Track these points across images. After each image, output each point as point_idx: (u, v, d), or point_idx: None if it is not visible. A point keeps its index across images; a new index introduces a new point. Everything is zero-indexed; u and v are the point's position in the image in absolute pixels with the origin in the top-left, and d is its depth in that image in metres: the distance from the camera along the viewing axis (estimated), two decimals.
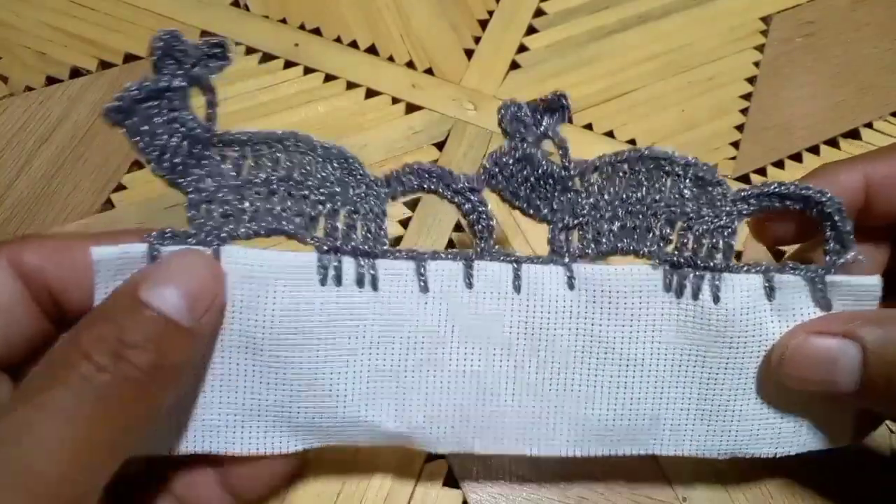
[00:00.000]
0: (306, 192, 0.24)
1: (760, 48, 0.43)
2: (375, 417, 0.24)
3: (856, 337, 0.23)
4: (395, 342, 0.24)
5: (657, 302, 0.24)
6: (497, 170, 0.24)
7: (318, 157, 0.24)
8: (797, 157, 0.40)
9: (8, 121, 0.40)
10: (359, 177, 0.24)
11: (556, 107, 0.24)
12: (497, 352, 0.25)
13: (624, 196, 0.25)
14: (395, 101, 0.41)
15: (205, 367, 0.23)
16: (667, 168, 0.25)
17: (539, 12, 0.45)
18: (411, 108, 0.41)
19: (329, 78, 0.42)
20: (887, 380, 0.22)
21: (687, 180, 0.25)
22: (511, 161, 0.24)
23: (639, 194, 0.25)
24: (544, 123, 0.24)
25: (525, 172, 0.24)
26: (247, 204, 0.23)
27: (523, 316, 0.24)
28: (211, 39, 0.23)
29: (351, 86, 0.42)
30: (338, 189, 0.24)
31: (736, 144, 0.41)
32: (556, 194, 0.25)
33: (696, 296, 0.24)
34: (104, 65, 0.42)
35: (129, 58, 0.42)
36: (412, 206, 0.38)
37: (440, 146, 0.40)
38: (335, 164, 0.24)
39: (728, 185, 0.25)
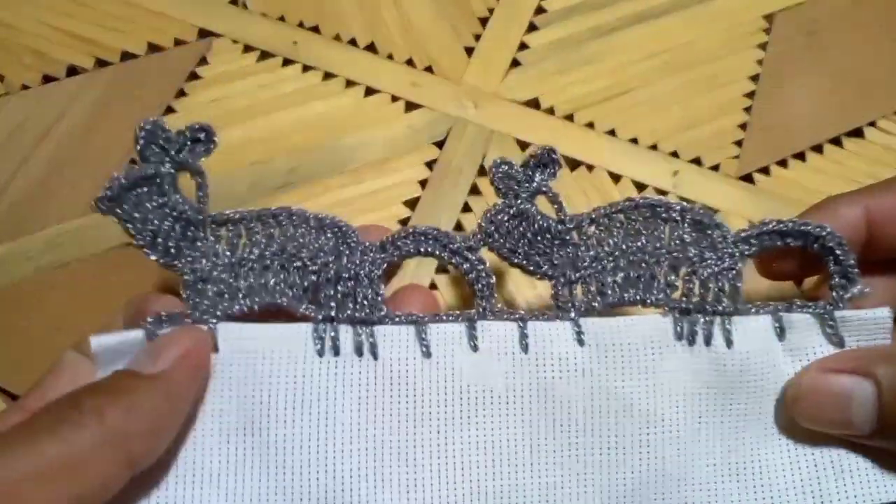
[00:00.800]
0: (299, 264, 0.24)
1: (763, 46, 0.43)
2: (386, 500, 0.23)
3: (869, 374, 0.22)
4: (400, 414, 0.23)
5: (670, 351, 0.24)
6: (493, 228, 0.24)
7: (311, 229, 0.24)
8: (801, 157, 0.40)
9: (5, 120, 0.40)
10: (353, 244, 0.24)
11: (546, 162, 0.24)
12: (510, 418, 0.23)
13: (624, 246, 0.25)
14: (394, 99, 0.41)
15: (201, 451, 0.22)
16: (663, 215, 0.25)
17: (540, 10, 0.44)
18: (411, 107, 0.41)
19: (328, 76, 0.42)
20: None
21: (685, 225, 0.25)
22: (506, 218, 0.24)
23: (639, 243, 0.25)
24: (536, 179, 0.24)
25: (521, 229, 0.24)
26: (241, 281, 0.23)
27: (534, 377, 0.24)
28: (195, 125, 0.23)
29: (350, 84, 0.42)
30: (332, 258, 0.24)
31: (739, 143, 0.40)
32: (554, 249, 0.24)
33: (708, 342, 0.24)
34: (101, 63, 0.42)
35: (126, 56, 0.42)
36: (412, 205, 0.38)
37: (440, 145, 0.40)
38: (329, 234, 0.24)
39: (727, 227, 0.25)
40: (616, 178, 0.39)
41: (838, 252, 0.24)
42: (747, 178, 0.39)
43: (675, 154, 0.40)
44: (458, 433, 0.23)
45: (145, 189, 0.23)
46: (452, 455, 0.23)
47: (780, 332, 0.24)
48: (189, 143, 0.23)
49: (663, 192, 0.39)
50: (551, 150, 0.24)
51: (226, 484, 0.22)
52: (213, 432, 0.23)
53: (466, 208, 0.38)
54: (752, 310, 0.24)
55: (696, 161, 0.40)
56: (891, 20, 0.44)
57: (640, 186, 0.39)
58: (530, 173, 0.24)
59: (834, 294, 0.25)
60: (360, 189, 0.38)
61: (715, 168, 0.40)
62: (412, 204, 0.38)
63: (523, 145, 0.40)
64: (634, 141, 0.40)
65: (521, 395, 0.23)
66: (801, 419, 0.24)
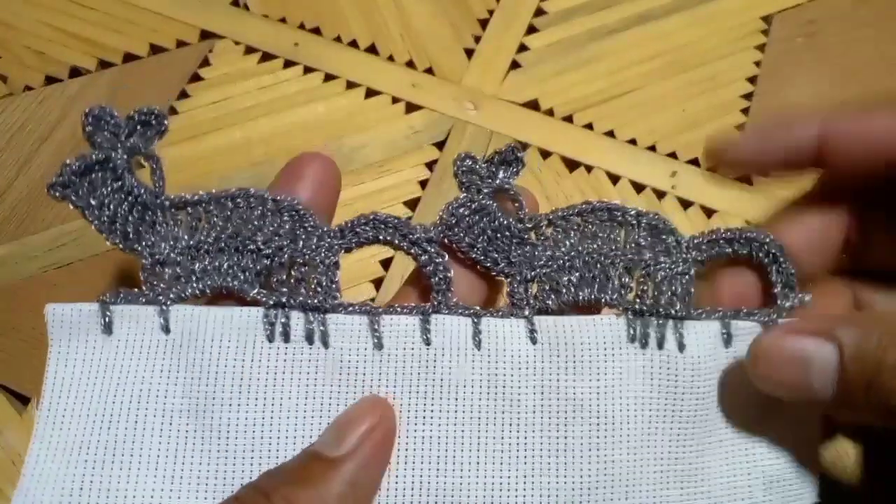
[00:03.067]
0: (253, 247, 0.23)
1: (761, 48, 0.43)
2: None
3: (832, 337, 0.21)
4: (346, 404, 0.23)
5: (623, 353, 0.23)
6: (454, 221, 0.24)
7: (268, 211, 0.24)
8: None
9: (7, 120, 0.40)
10: (310, 228, 0.24)
11: (510, 159, 0.24)
12: (459, 414, 0.23)
13: (580, 248, 0.24)
14: (395, 100, 0.41)
15: (141, 433, 0.22)
16: (619, 218, 0.25)
17: (539, 11, 0.44)
18: (411, 108, 0.41)
19: (329, 77, 0.42)
20: (867, 384, 0.21)
21: (641, 230, 0.25)
22: (467, 213, 0.24)
23: (595, 245, 0.25)
24: (499, 176, 0.24)
25: (482, 225, 0.24)
26: (197, 264, 0.23)
27: (485, 374, 0.23)
28: (144, 109, 0.23)
29: (351, 85, 0.42)
30: (287, 242, 0.23)
31: None
32: (512, 247, 0.24)
33: (661, 345, 0.24)
34: (103, 64, 0.42)
35: (129, 57, 0.42)
36: (412, 206, 0.38)
37: (440, 146, 0.40)
38: (286, 217, 0.24)
39: (680, 234, 0.25)
40: (615, 178, 0.39)
41: (781, 259, 0.24)
42: (745, 179, 0.40)
43: (673, 155, 0.40)
44: (404, 427, 0.23)
45: (100, 174, 0.23)
46: (397, 448, 0.23)
47: (727, 339, 0.24)
48: (139, 127, 0.23)
49: (661, 193, 0.39)
50: (516, 149, 0.24)
51: (164, 467, 0.22)
52: (156, 413, 0.22)
53: None
54: (703, 315, 0.24)
55: (695, 162, 0.40)
56: (888, 21, 0.44)
57: (639, 187, 0.39)
58: (493, 170, 0.24)
59: (778, 302, 0.24)
60: (361, 189, 0.39)
61: (713, 169, 0.40)
62: (413, 204, 0.38)
63: (523, 146, 0.40)
64: (633, 142, 0.40)
65: (471, 391, 0.23)
66: (760, 382, 0.23)
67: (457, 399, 0.23)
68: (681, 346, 0.24)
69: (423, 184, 0.39)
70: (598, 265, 0.24)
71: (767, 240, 0.24)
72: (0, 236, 0.37)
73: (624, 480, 0.23)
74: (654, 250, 0.25)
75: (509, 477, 0.23)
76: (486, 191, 0.24)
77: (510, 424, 0.23)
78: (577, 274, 0.24)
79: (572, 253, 0.24)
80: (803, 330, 0.22)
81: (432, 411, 0.23)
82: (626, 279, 0.24)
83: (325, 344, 0.23)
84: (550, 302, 0.24)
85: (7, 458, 0.33)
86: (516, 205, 0.24)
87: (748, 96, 0.42)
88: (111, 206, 0.23)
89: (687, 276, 0.24)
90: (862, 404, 0.21)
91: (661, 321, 0.24)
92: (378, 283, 0.37)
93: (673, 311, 0.24)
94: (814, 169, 0.24)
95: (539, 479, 0.23)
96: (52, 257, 0.37)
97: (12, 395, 0.34)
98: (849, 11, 0.45)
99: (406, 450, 0.23)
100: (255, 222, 0.24)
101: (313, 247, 0.24)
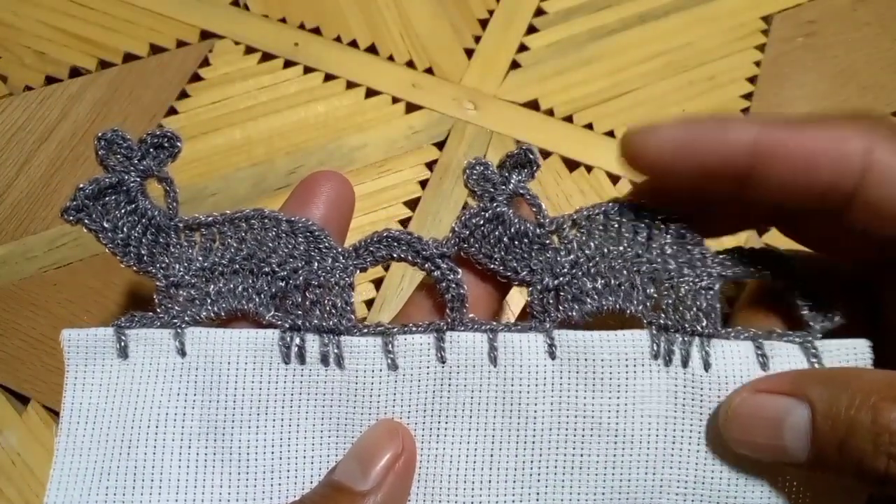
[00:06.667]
0: (268, 269, 0.23)
1: (761, 48, 0.43)
2: None
3: (803, 396, 0.20)
4: (363, 425, 0.23)
5: (644, 370, 0.23)
6: (467, 232, 0.23)
7: (283, 233, 0.24)
8: None
9: (7, 120, 0.40)
10: (324, 249, 0.24)
11: (523, 162, 0.23)
12: (472, 432, 0.23)
13: (605, 250, 0.23)
14: (395, 100, 0.41)
15: (160, 455, 0.22)
16: (646, 220, 0.24)
17: (539, 11, 0.44)
18: (411, 108, 0.41)
19: (329, 77, 0.42)
20: (839, 444, 0.20)
21: (668, 235, 0.24)
22: (482, 222, 0.23)
23: (620, 248, 0.23)
24: (513, 181, 0.23)
25: (498, 233, 0.23)
26: (211, 286, 0.23)
27: (500, 390, 0.23)
28: (156, 131, 0.23)
29: (351, 85, 0.42)
30: (302, 264, 0.24)
31: None
32: (533, 254, 0.23)
33: (685, 363, 0.23)
34: (104, 64, 0.42)
35: (129, 57, 0.42)
36: (412, 206, 0.38)
37: (440, 146, 0.40)
38: (300, 238, 0.24)
39: (707, 246, 0.24)
40: (615, 178, 0.39)
41: (806, 279, 0.23)
42: None
43: None
44: (418, 445, 0.23)
45: (114, 197, 0.23)
46: None
47: (764, 360, 0.23)
48: (151, 150, 0.23)
49: None
50: (528, 150, 0.23)
51: (184, 491, 0.22)
52: (175, 436, 0.22)
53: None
54: (732, 334, 0.23)
55: None
56: (887, 21, 0.44)
57: None
58: (507, 174, 0.23)
59: (811, 322, 0.23)
60: (361, 190, 0.39)
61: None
62: (412, 204, 0.38)
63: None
64: None
65: (485, 408, 0.23)
66: (734, 444, 0.22)
67: (471, 416, 0.23)
68: (706, 365, 0.23)
69: (423, 184, 0.39)
70: (625, 271, 0.23)
71: (792, 259, 0.23)
72: (0, 236, 0.37)
73: (641, 501, 0.23)
74: (677, 261, 0.24)
75: (521, 494, 0.23)
76: (500, 198, 0.23)
77: (524, 442, 0.23)
78: (602, 281, 0.23)
79: (596, 257, 0.23)
80: (774, 389, 0.21)
81: (446, 429, 0.23)
82: (651, 290, 0.23)
83: (341, 366, 0.23)
84: (574, 313, 0.23)
85: (7, 457, 0.33)
86: (534, 209, 0.23)
87: (748, 96, 0.42)
88: (125, 229, 0.23)
89: (712, 292, 0.23)
90: (836, 465, 0.20)
91: (686, 338, 0.23)
92: (378, 282, 0.37)
93: (699, 328, 0.23)
94: (735, 191, 0.22)
95: (553, 497, 0.23)
96: (52, 257, 0.37)
97: (12, 395, 0.34)
98: (848, 11, 0.45)
99: (419, 468, 0.23)
100: (270, 244, 0.24)
101: (328, 268, 0.24)
